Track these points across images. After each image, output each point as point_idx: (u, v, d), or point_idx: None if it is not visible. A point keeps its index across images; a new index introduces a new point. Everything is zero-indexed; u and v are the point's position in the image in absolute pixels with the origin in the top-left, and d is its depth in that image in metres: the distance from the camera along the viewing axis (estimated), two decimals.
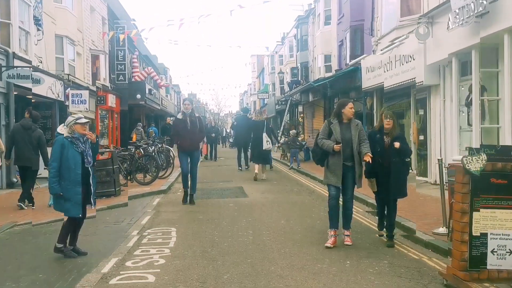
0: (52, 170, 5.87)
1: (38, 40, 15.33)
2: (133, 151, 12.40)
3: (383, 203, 6.77)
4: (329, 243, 6.28)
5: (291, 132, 19.20)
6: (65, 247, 6.02)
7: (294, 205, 9.31)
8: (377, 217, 7.21)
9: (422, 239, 6.48)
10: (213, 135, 20.91)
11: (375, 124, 16.27)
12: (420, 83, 11.91)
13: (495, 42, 9.58)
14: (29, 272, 5.44)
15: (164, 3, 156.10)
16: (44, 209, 8.66)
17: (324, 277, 5.04)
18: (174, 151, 15.02)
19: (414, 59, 12.20)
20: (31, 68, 13.37)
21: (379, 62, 14.84)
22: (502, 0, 8.42)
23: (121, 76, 26.72)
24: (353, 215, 6.74)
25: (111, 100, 23.50)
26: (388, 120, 6.46)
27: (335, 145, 6.23)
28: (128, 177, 11.75)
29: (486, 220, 4.43)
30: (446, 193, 6.67)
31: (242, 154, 16.30)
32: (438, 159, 7.07)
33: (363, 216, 8.31)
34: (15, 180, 11.85)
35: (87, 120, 6.14)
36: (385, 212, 6.73)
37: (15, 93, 12.75)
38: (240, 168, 16.28)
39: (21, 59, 13.51)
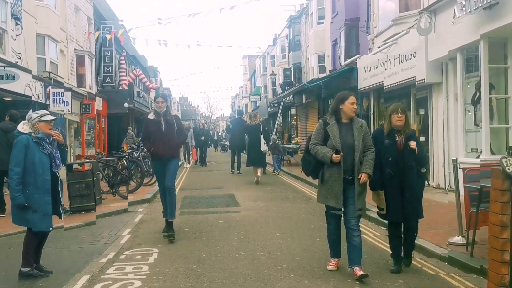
0: (14, 177, 5.00)
1: (17, 35, 14.49)
2: (116, 162, 11.37)
3: (397, 223, 5.23)
4: (332, 265, 5.22)
5: (272, 137, 18.22)
6: (33, 269, 5.17)
7: (290, 218, 8.34)
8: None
9: (436, 252, 5.73)
10: (203, 138, 19.32)
11: (374, 127, 15.57)
12: (421, 81, 11.23)
13: (503, 36, 8.95)
14: None
15: (153, 3, 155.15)
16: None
17: None
18: None
19: (414, 56, 11.52)
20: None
21: (376, 61, 14.15)
22: None
23: (108, 78, 25.88)
24: None
25: (98, 107, 22.63)
26: (399, 115, 5.04)
27: (333, 155, 4.74)
28: (112, 190, 10.72)
29: None
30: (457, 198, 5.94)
31: (236, 158, 16.17)
32: (453, 160, 6.31)
33: (366, 226, 7.55)
34: None
35: (53, 118, 5.33)
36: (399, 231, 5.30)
37: None
38: (233, 170, 16.13)
39: None
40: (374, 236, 6.95)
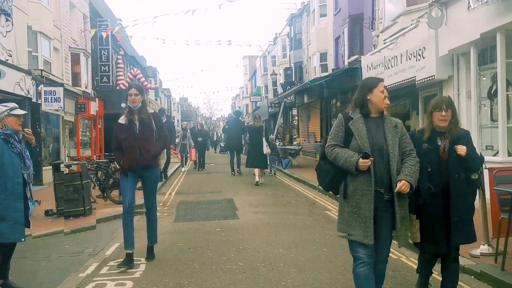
0: None
1: (7, 31, 13.87)
2: (108, 164, 10.66)
3: (433, 260, 4.15)
4: None
5: (270, 137, 17.69)
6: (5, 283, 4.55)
7: (293, 225, 7.61)
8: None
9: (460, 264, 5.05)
10: (200, 139, 17.97)
11: None
12: (430, 78, 10.57)
13: None
14: None
15: (152, 3, 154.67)
16: None
17: None
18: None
19: (423, 52, 10.87)
20: None
21: (382, 59, 13.48)
22: None
23: (105, 77, 25.27)
24: None
25: (94, 107, 21.99)
26: (443, 113, 3.85)
27: (360, 159, 3.38)
28: (104, 194, 10.00)
29: None
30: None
31: (235, 159, 15.93)
32: None
33: None
34: None
35: (24, 112, 4.69)
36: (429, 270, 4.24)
37: None
38: (233, 173, 15.83)
39: None
40: None
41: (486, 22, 8.34)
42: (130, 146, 5.38)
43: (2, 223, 4.43)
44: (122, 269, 5.20)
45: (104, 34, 22.02)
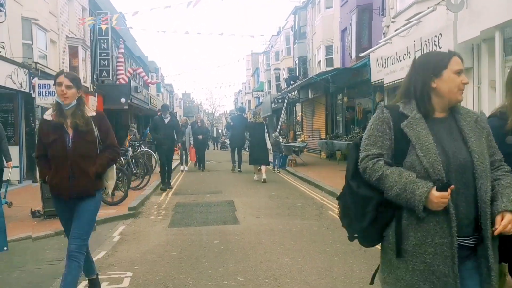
0: None
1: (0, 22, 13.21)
2: None
3: None
4: None
5: (273, 135, 17.76)
6: None
7: (299, 232, 6.84)
8: None
9: None
10: (200, 137, 16.63)
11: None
12: None
13: None
14: None
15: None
16: None
17: None
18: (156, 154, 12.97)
19: (439, 39, 10.08)
20: None
21: (393, 53, 12.69)
22: None
23: (104, 72, 24.56)
24: None
25: (92, 101, 21.25)
26: None
27: (433, 191, 1.99)
28: None
29: None
30: None
31: (236, 156, 15.80)
32: None
33: None
34: None
35: None
36: None
37: None
38: (235, 168, 15.76)
39: None
40: None
41: None
42: (58, 164, 3.67)
43: None
44: None
45: (103, 27, 21.32)
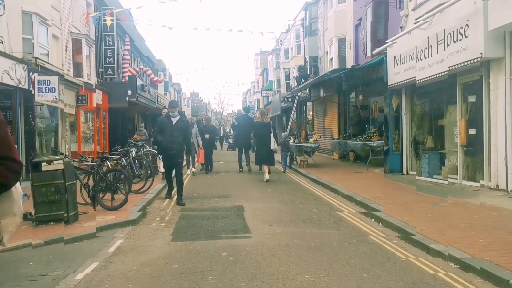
0: None
1: None
2: (99, 164, 9.07)
3: None
4: None
5: (283, 134, 17.71)
6: None
7: (319, 247, 5.87)
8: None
9: None
10: (207, 136, 15.33)
11: (406, 131, 13.07)
12: (476, 59, 8.97)
13: None
14: None
15: None
16: None
17: None
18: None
19: (466, 29, 9.26)
20: None
21: (413, 48, 11.86)
22: None
23: (109, 69, 23.94)
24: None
25: (96, 99, 20.65)
26: None
27: None
28: (94, 202, 8.39)
29: None
30: None
31: (243, 156, 15.48)
32: None
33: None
34: None
35: None
36: None
37: None
38: (241, 169, 15.38)
39: None
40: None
41: None
42: None
43: None
44: None
45: (108, 22, 20.66)
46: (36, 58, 14.26)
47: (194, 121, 16.15)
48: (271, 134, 13.37)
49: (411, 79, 12.07)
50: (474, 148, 9.97)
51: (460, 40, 9.53)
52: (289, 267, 5.03)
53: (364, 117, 17.71)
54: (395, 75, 13.19)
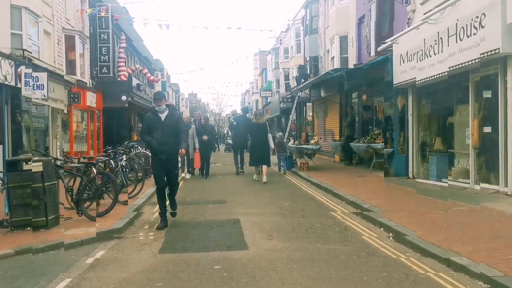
0: None
1: None
2: (85, 171, 8.05)
3: None
4: None
5: (278, 134, 17.53)
6: None
7: (326, 261, 5.16)
8: None
9: None
10: (205, 137, 14.21)
11: (413, 133, 12.39)
12: (493, 52, 8.30)
13: None
14: None
15: None
16: None
17: None
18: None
19: (481, 20, 8.60)
20: None
21: (421, 45, 11.18)
22: None
23: (105, 68, 23.25)
24: None
25: (90, 98, 19.97)
26: None
27: None
28: (78, 207, 7.65)
29: None
30: None
31: (239, 157, 15.44)
32: None
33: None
34: None
35: None
36: None
37: None
38: (241, 170, 15.32)
39: None
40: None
41: None
42: None
43: None
44: None
45: (103, 13, 19.99)
46: (24, 50, 13.56)
47: (191, 121, 15.33)
48: (269, 134, 13.31)
49: (418, 78, 11.42)
50: (488, 150, 9.32)
51: (474, 34, 8.87)
52: (291, 283, 4.38)
53: (366, 118, 17.07)
54: (401, 74, 12.52)
